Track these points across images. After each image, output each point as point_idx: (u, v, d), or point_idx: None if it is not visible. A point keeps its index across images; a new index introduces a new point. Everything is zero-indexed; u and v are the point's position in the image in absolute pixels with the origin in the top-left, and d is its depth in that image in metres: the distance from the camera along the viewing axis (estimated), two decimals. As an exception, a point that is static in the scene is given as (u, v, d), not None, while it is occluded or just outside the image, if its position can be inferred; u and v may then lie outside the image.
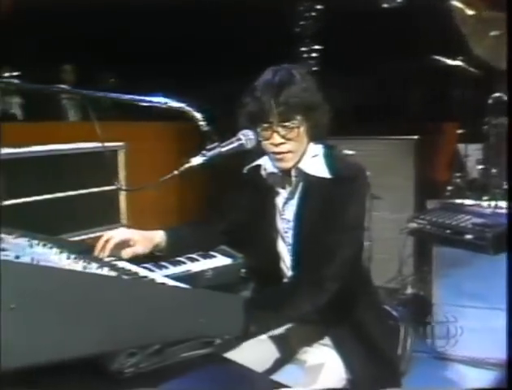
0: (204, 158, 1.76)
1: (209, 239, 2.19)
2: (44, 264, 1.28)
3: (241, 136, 1.86)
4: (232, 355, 1.82)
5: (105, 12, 3.85)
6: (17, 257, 1.24)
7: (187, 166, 1.75)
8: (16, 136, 2.77)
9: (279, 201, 2.00)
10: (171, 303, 1.26)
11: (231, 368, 1.31)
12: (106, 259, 1.79)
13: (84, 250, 1.86)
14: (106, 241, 1.86)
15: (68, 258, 1.47)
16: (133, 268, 1.72)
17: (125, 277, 1.42)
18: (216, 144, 1.79)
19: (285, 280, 1.99)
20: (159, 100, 1.75)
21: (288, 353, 2.02)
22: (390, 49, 4.01)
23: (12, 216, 2.53)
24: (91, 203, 2.89)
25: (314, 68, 4.02)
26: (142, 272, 1.66)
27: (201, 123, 1.74)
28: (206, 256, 2.82)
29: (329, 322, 1.92)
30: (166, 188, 3.24)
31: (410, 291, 4.20)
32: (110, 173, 2.93)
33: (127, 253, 1.87)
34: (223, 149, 1.81)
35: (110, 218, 2.99)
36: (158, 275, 1.68)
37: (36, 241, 1.62)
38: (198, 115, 1.75)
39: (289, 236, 1.97)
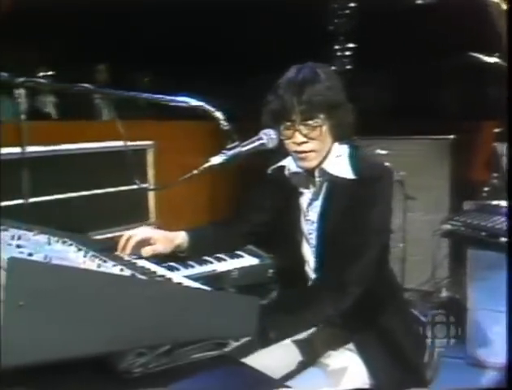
0: (224, 157, 1.75)
1: (232, 240, 2.16)
2: (58, 262, 1.28)
3: (263, 136, 1.84)
4: (253, 358, 1.80)
5: (136, 12, 3.88)
6: (30, 254, 1.24)
7: (207, 165, 1.74)
8: (48, 135, 2.80)
9: (304, 202, 1.96)
10: (183, 303, 1.24)
11: (243, 371, 1.28)
12: (126, 258, 1.79)
13: (106, 248, 1.87)
14: (127, 239, 1.86)
15: (85, 256, 1.47)
16: (152, 267, 1.71)
17: (141, 276, 1.41)
18: (237, 143, 1.78)
19: (308, 283, 1.95)
20: (180, 99, 1.73)
21: (311, 357, 1.98)
22: (425, 47, 3.92)
23: (42, 213, 2.56)
24: (120, 201, 2.89)
25: (348, 67, 3.96)
26: (161, 271, 1.66)
27: (222, 122, 1.72)
28: (233, 256, 2.81)
29: (354, 326, 1.88)
30: (196, 187, 3.26)
31: (444, 294, 4.11)
32: (139, 171, 2.94)
33: (146, 251, 1.86)
34: (244, 149, 1.80)
35: (138, 216, 2.99)
36: (176, 275, 1.67)
37: (55, 239, 1.63)
38: (219, 114, 1.73)
39: (313, 238, 1.93)
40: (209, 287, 2.57)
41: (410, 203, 4.16)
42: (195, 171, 1.73)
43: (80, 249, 1.56)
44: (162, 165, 3.00)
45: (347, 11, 4.05)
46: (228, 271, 2.69)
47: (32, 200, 2.44)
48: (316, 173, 1.91)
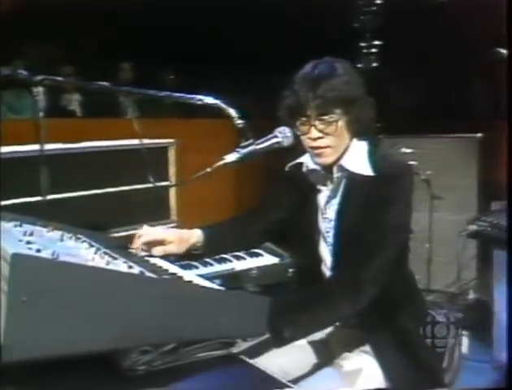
0: (238, 155, 1.74)
1: (248, 237, 2.14)
2: (66, 258, 1.28)
3: (278, 134, 1.82)
4: (267, 358, 1.80)
5: (160, 11, 3.89)
6: (38, 250, 1.24)
7: (220, 163, 1.73)
8: (70, 132, 2.83)
9: (321, 199, 1.94)
10: (190, 302, 1.23)
11: (247, 371, 1.27)
12: (140, 255, 1.79)
13: (122, 246, 1.88)
14: (138, 237, 1.86)
15: (96, 253, 1.48)
16: (165, 265, 1.71)
17: (150, 274, 1.40)
18: (251, 141, 1.76)
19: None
20: (194, 97, 1.73)
21: (327, 358, 1.96)
22: (452, 44, 3.84)
23: (64, 211, 2.58)
24: (141, 199, 2.90)
25: (374, 64, 3.91)
26: (173, 269, 1.65)
27: (236, 119, 1.71)
28: (253, 254, 2.80)
29: (370, 327, 1.85)
30: (217, 185, 3.26)
31: (471, 296, 4.03)
32: (160, 169, 2.95)
33: (157, 251, 1.85)
34: (258, 147, 1.78)
35: (159, 214, 2.99)
36: (188, 273, 1.66)
37: (69, 235, 1.64)
38: (233, 112, 1.72)
39: (330, 236, 1.91)
40: (227, 285, 2.60)
41: (437, 203, 4.09)
42: (208, 169, 1.72)
43: (92, 246, 1.57)
44: (184, 163, 3.01)
45: (373, 8, 4.00)
46: (247, 270, 2.68)
47: (53, 197, 2.46)
48: (334, 170, 1.88)
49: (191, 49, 4.22)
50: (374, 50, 3.93)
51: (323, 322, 1.79)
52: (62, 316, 1.08)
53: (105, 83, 2.00)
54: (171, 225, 2.97)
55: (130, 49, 4.29)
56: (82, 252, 1.48)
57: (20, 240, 1.33)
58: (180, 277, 1.53)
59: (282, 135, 1.81)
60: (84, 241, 1.62)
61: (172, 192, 3.04)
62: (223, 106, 1.73)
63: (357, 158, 1.86)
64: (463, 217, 3.78)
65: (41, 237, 1.50)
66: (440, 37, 3.84)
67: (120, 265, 1.39)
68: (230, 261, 2.65)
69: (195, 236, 1.96)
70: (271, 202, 2.10)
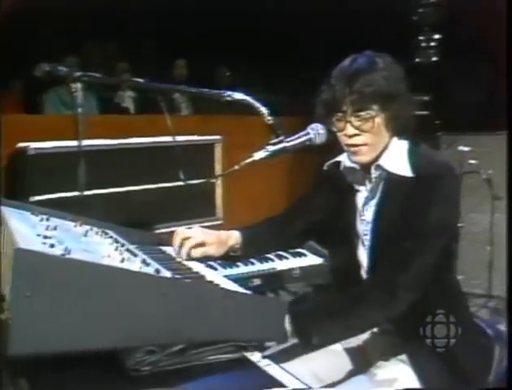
0: (267, 153, 1.69)
1: (286, 239, 2.08)
2: (81, 254, 1.28)
3: (310, 131, 1.76)
4: (301, 362, 1.75)
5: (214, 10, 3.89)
6: (52, 245, 1.24)
7: (249, 160, 1.69)
8: (120, 129, 2.86)
9: (360, 200, 1.86)
10: (201, 302, 1.20)
11: (255, 375, 1.22)
12: (173, 254, 1.77)
13: (154, 242, 1.87)
14: (182, 239, 1.82)
15: (116, 249, 1.47)
16: (190, 263, 1.68)
17: (167, 273, 1.38)
18: (282, 138, 1.71)
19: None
20: (222, 93, 1.69)
21: (362, 365, 1.87)
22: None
23: (111, 206, 2.61)
24: (187, 196, 2.89)
25: (433, 58, 3.75)
26: (197, 268, 1.62)
27: (266, 116, 1.66)
28: (296, 254, 2.73)
29: (408, 336, 1.74)
30: (264, 183, 3.21)
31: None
32: (207, 166, 2.94)
33: (197, 252, 1.81)
34: (288, 144, 1.73)
35: (205, 211, 2.98)
36: (212, 273, 1.63)
37: (97, 230, 1.64)
38: (263, 109, 1.67)
39: (368, 239, 1.82)
40: (268, 285, 2.56)
41: (499, 203, 3.89)
42: (236, 167, 1.67)
43: (117, 242, 1.57)
44: (230, 160, 2.98)
45: (432, 0, 3.84)
46: (290, 270, 2.62)
47: (100, 192, 2.50)
48: (372, 170, 1.80)
49: (246, 47, 4.20)
50: (433, 44, 3.76)
51: (354, 328, 1.71)
52: (64, 313, 1.07)
53: (140, 79, 1.97)
54: (217, 223, 2.96)
55: (186, 46, 4.32)
56: (102, 247, 1.47)
57: (39, 235, 1.34)
58: (201, 276, 1.50)
59: (314, 132, 1.76)
60: (111, 237, 1.62)
61: (219, 189, 3.02)
62: (253, 102, 1.68)
63: (397, 158, 1.77)
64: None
65: (66, 232, 1.51)
66: (502, 30, 3.63)
67: (136, 262, 1.37)
68: (272, 260, 2.60)
69: (233, 237, 1.92)
70: (309, 202, 2.04)
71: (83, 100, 1.99)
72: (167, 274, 1.36)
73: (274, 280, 2.57)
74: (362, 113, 1.69)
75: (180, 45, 4.32)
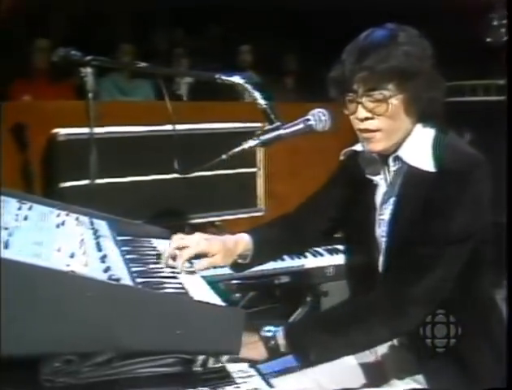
0: (256, 141, 1.54)
1: (303, 239, 1.90)
2: (27, 247, 1.21)
3: (310, 117, 1.58)
4: (311, 374, 1.63)
5: None
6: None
7: (238, 149, 1.54)
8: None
9: (378, 197, 1.65)
10: (138, 308, 1.08)
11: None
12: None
13: (147, 235, 1.79)
14: (179, 248, 1.58)
15: (81, 242, 1.39)
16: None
17: (119, 272, 1.28)
18: (277, 124, 1.54)
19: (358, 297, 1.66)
20: (217, 75, 1.55)
21: (377, 382, 1.69)
22: None
23: (145, 194, 2.56)
24: (228, 185, 2.79)
25: (504, 38, 3.37)
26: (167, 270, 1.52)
27: (259, 100, 1.50)
28: (332, 251, 2.55)
29: (426, 354, 1.55)
30: (305, 174, 3.02)
31: None
32: (248, 155, 2.81)
33: (202, 264, 1.60)
34: (284, 132, 1.56)
35: (247, 201, 2.85)
36: (193, 278, 1.50)
37: (77, 221, 1.59)
38: (256, 93, 1.51)
39: (384, 242, 1.62)
40: (298, 283, 2.39)
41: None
42: (224, 156, 1.53)
43: (95, 234, 1.50)
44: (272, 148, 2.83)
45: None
46: (322, 268, 2.44)
47: (132, 179, 2.44)
48: (390, 162, 1.59)
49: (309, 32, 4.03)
50: (504, 22, 3.37)
51: (356, 345, 1.53)
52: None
53: (148, 64, 1.87)
54: (258, 213, 2.84)
55: (251, 32, 4.20)
56: (68, 239, 1.39)
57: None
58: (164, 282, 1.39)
59: (315, 118, 1.57)
60: (92, 228, 1.55)
61: (260, 179, 2.89)
62: (247, 86, 1.53)
63: (419, 149, 1.55)
64: None
65: (36, 222, 1.44)
66: None
67: (88, 259, 1.27)
68: (305, 256, 2.44)
69: (242, 243, 1.71)
70: (325, 197, 1.84)
71: (94, 85, 1.91)
72: (124, 276, 1.26)
73: (304, 278, 2.41)
74: (374, 92, 1.49)
75: (246, 31, 4.22)
